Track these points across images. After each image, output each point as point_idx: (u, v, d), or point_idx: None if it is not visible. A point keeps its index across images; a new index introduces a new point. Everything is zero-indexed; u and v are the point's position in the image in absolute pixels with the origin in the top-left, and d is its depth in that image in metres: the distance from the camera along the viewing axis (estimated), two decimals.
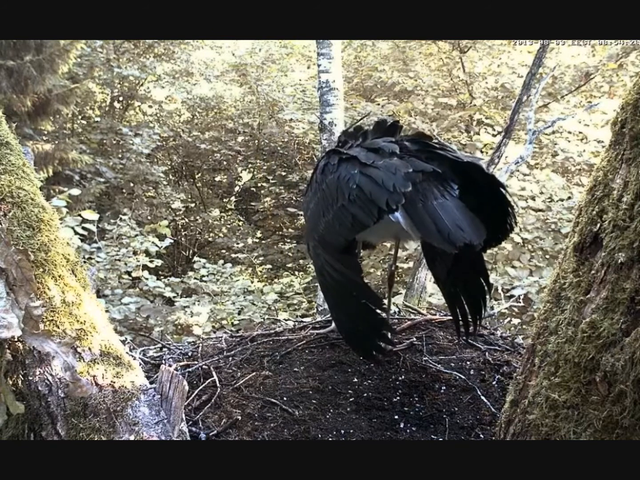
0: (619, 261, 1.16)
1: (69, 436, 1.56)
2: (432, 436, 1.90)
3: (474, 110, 9.54)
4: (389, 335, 2.17)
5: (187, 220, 12.05)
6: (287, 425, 1.90)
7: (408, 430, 1.93)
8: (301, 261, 10.26)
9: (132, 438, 1.54)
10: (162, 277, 8.16)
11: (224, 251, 11.42)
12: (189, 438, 1.67)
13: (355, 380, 2.17)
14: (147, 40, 11.39)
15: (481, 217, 1.85)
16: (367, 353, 2.16)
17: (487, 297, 2.21)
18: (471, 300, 2.23)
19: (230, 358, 2.39)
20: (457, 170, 1.90)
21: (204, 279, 7.56)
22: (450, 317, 2.64)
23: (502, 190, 1.93)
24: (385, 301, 2.41)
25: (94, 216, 5.76)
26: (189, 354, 2.53)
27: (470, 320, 2.26)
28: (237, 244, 10.98)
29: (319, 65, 5.32)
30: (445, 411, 2.01)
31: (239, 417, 1.91)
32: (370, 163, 1.87)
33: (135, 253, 6.99)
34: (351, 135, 2.18)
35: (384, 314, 2.10)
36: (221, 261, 8.49)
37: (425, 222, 1.76)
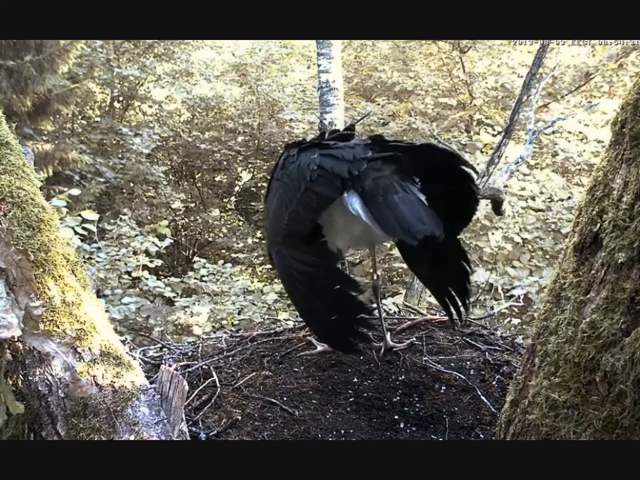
0: (619, 261, 1.16)
1: (69, 436, 1.56)
2: (432, 436, 1.90)
3: (474, 110, 9.54)
4: (368, 320, 2.10)
5: (187, 220, 12.04)
6: (287, 425, 1.90)
7: (408, 430, 1.93)
8: None
9: (132, 438, 1.54)
10: (162, 277, 8.15)
11: (224, 251, 11.40)
12: (189, 438, 1.67)
13: (355, 380, 2.17)
14: (147, 40, 11.38)
15: (446, 201, 1.88)
16: (346, 345, 2.07)
17: (470, 277, 2.22)
18: (456, 285, 2.23)
19: (230, 358, 2.39)
20: (415, 156, 1.89)
21: (204, 279, 7.54)
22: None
23: (460, 165, 1.92)
24: (378, 305, 2.38)
25: (94, 216, 5.75)
26: (189, 354, 2.54)
27: (460, 305, 2.25)
28: (237, 244, 10.97)
29: (319, 65, 5.32)
30: (445, 411, 2.01)
31: (239, 417, 1.91)
32: (332, 145, 1.90)
33: (135, 253, 6.98)
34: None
35: (360, 297, 2.06)
36: (221, 261, 8.47)
37: (385, 216, 1.76)
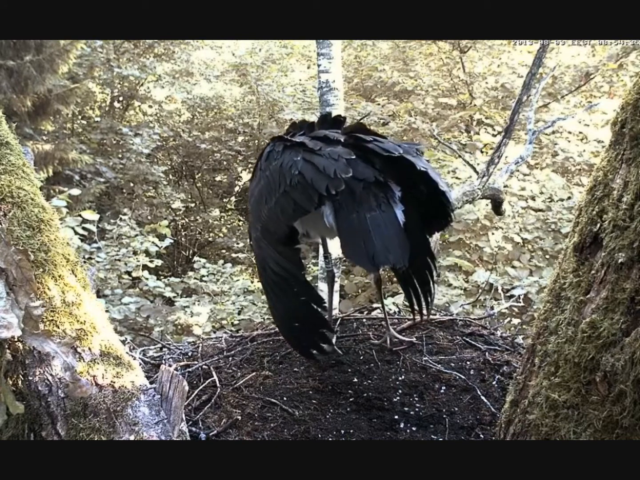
0: (619, 261, 1.16)
1: (69, 436, 1.56)
2: (432, 436, 1.90)
3: (474, 110, 9.54)
4: (329, 335, 2.17)
5: (187, 220, 12.04)
6: (287, 425, 1.91)
7: (408, 430, 1.93)
8: None
9: (132, 438, 1.54)
10: (162, 277, 8.15)
11: (224, 251, 11.41)
12: (189, 438, 1.67)
13: (355, 380, 2.17)
14: (147, 40, 11.38)
15: (424, 206, 1.94)
16: (306, 351, 2.18)
17: (434, 273, 2.26)
18: (421, 280, 2.27)
19: (230, 358, 2.39)
20: (393, 165, 1.91)
21: (204, 279, 7.54)
22: (451, 317, 2.65)
23: (433, 180, 1.94)
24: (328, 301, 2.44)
25: (94, 216, 5.76)
26: (189, 354, 2.54)
27: (423, 300, 2.30)
28: (237, 244, 10.97)
29: (319, 65, 5.31)
30: (445, 411, 2.01)
31: (239, 417, 1.91)
32: (316, 149, 1.88)
33: (135, 253, 6.98)
34: (297, 127, 2.19)
35: (324, 313, 2.11)
36: (221, 261, 8.47)
37: (352, 238, 1.78)
